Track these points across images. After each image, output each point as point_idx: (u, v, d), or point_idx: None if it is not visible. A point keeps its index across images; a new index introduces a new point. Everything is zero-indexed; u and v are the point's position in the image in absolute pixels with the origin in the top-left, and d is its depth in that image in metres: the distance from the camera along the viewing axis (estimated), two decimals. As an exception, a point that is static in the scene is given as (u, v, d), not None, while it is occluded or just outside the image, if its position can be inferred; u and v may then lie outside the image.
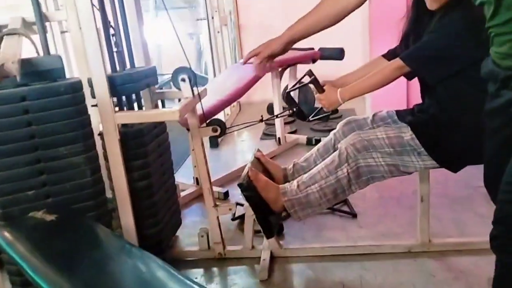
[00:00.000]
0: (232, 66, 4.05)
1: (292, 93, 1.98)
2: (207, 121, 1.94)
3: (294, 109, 1.95)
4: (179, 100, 3.08)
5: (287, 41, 1.50)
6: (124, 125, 1.70)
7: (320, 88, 1.73)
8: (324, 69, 3.91)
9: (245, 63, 1.63)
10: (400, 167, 1.65)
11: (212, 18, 4.08)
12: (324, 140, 1.94)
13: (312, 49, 3.42)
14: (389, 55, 1.83)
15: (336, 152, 1.69)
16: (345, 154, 1.65)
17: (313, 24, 1.46)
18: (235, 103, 4.60)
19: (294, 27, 1.49)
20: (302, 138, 3.53)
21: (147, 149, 1.73)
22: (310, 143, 3.42)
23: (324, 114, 1.81)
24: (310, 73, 1.74)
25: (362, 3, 1.42)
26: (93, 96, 1.60)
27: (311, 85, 1.74)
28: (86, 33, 1.53)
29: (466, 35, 1.52)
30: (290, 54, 2.99)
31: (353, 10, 1.45)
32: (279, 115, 2.91)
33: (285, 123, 3.64)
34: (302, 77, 1.78)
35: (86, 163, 1.48)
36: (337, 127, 1.91)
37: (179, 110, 1.62)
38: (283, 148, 3.40)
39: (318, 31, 1.47)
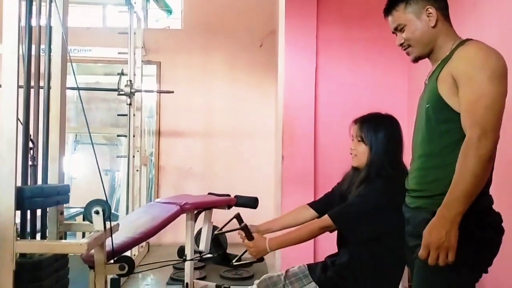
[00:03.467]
0: (147, 204, 4.00)
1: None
2: (115, 259, 1.85)
3: (220, 252, 1.93)
4: (83, 234, 2.93)
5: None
6: (21, 255, 1.58)
7: (249, 236, 1.77)
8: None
9: None
10: None
11: (133, 157, 4.16)
12: None
13: (229, 195, 3.54)
14: (314, 205, 2.00)
15: None
16: None
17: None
18: (143, 244, 4.44)
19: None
20: (212, 285, 3.39)
21: (43, 285, 1.58)
22: (219, 291, 3.31)
23: (248, 261, 1.83)
24: (238, 217, 1.79)
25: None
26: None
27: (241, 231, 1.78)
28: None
29: (388, 206, 1.67)
30: (206, 198, 3.07)
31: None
32: (203, 256, 2.84)
33: (195, 268, 3.53)
34: (230, 220, 1.82)
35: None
36: (254, 286, 1.91)
37: (87, 243, 1.55)
38: (191, 295, 3.24)
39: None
